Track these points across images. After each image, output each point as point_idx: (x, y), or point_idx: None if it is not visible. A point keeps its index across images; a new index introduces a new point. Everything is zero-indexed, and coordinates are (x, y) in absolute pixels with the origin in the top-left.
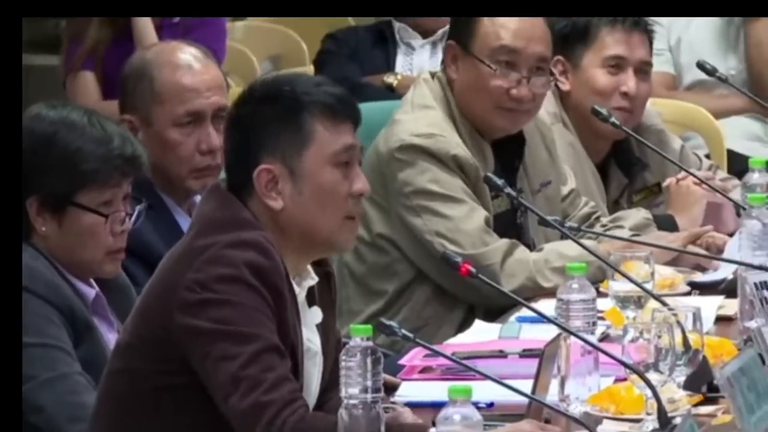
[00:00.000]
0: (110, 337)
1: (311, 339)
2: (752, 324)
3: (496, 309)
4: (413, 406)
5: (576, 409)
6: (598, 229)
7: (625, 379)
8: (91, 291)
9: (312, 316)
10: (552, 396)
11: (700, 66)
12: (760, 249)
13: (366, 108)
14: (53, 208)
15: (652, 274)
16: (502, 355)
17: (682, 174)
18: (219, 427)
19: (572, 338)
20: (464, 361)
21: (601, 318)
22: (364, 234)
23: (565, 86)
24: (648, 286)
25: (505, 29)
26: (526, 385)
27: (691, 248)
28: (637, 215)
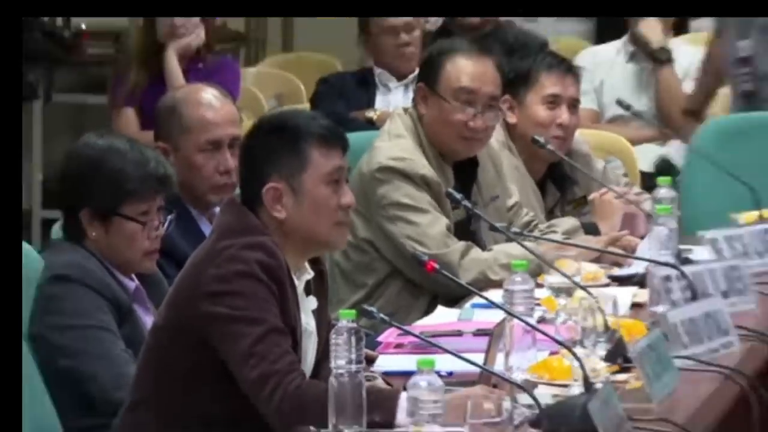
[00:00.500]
0: (147, 320)
1: (308, 322)
2: (658, 309)
3: (455, 297)
4: (388, 374)
5: (518, 376)
6: (536, 233)
7: (557, 353)
8: (132, 283)
9: (309, 304)
10: (499, 366)
11: (619, 103)
12: (665, 249)
13: (352, 137)
14: (102, 218)
15: (579, 269)
16: (459, 334)
17: (604, 189)
18: (233, 395)
19: (515, 320)
20: (429, 339)
21: (539, 304)
22: (350, 238)
23: (512, 119)
24: (576, 279)
25: (464, 74)
26: (479, 358)
27: (611, 249)
28: (568, 222)
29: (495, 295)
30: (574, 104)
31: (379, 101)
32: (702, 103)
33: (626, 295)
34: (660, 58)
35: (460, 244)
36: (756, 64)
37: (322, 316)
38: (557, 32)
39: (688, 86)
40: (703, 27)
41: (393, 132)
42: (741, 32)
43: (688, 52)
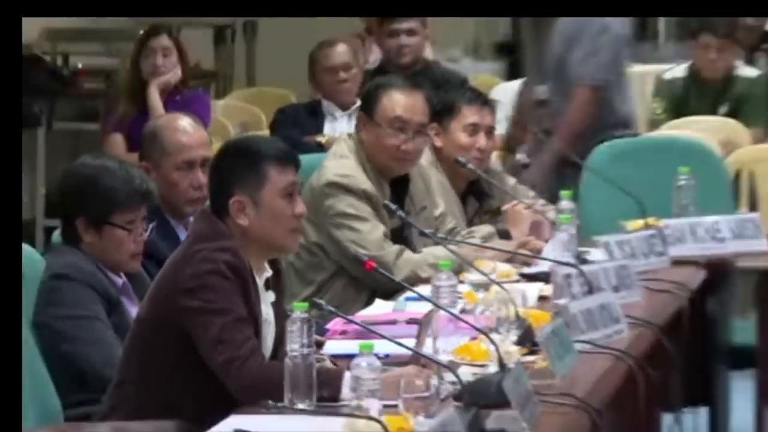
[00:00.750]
0: (132, 311)
1: (267, 313)
2: (561, 302)
3: (390, 292)
4: (335, 357)
5: (444, 358)
6: (458, 238)
7: (476, 339)
8: (119, 280)
9: (268, 297)
10: (427, 349)
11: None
12: (566, 251)
13: (304, 158)
14: (95, 226)
15: (495, 268)
16: (394, 322)
17: (515, 201)
18: (205, 377)
19: (441, 311)
20: (369, 327)
21: (461, 298)
22: (302, 241)
23: (438, 143)
24: (492, 276)
25: (398, 105)
26: (411, 343)
27: (521, 251)
28: (485, 229)
29: (424, 289)
30: (490, 131)
31: (327, 128)
32: (519, 137)
33: (534, 289)
34: None
35: (395, 248)
36: (552, 105)
37: (279, 308)
38: (476, 70)
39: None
40: None
41: (338, 153)
42: (539, 79)
43: None
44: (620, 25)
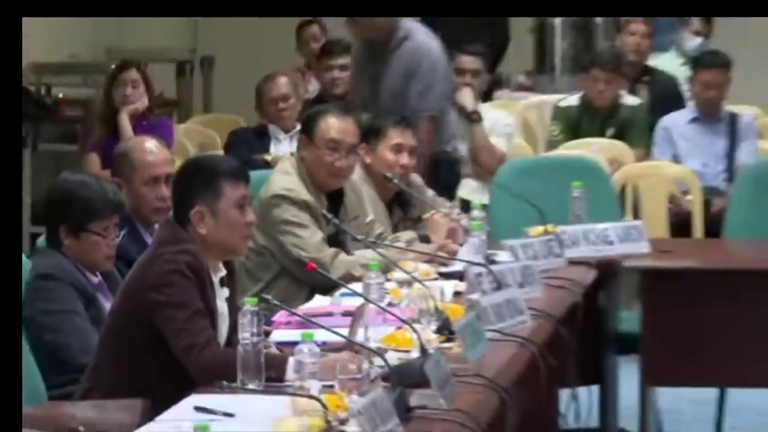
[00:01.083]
0: (107, 305)
1: (222, 306)
2: (473, 296)
3: (328, 289)
4: (280, 344)
5: (373, 345)
6: (386, 242)
7: (401, 328)
8: (95, 279)
9: (223, 294)
10: (359, 338)
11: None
12: (478, 253)
13: (253, 174)
14: (74, 233)
15: (416, 268)
16: (331, 314)
17: (434, 210)
18: (169, 361)
19: (371, 305)
20: (309, 318)
21: (388, 293)
22: (252, 245)
23: (368, 161)
24: (414, 275)
25: (332, 128)
26: (345, 332)
27: (439, 253)
28: (408, 234)
29: (357, 286)
30: (412, 150)
31: (272, 148)
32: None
33: (450, 286)
34: (474, 119)
35: (332, 250)
36: None
37: (232, 303)
38: None
39: (492, 139)
40: (504, 95)
41: (283, 170)
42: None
43: (492, 114)
44: (446, 61)
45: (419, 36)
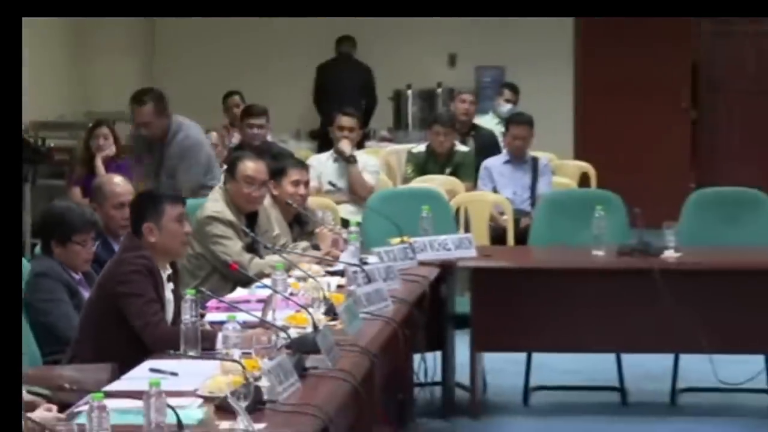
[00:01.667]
0: (86, 295)
1: (169, 296)
2: (351, 288)
3: (246, 283)
4: (212, 323)
5: (279, 323)
6: (288, 250)
7: (299, 311)
8: (78, 276)
9: (169, 287)
10: (269, 318)
11: (331, 184)
12: (354, 257)
13: (192, 201)
14: (62, 243)
15: (310, 268)
16: (248, 302)
17: (322, 226)
18: (131, 336)
19: (278, 295)
20: (233, 305)
21: (290, 286)
22: (191, 251)
23: (275, 192)
24: (309, 273)
25: (249, 168)
26: (259, 314)
27: (327, 257)
28: (304, 244)
29: (267, 281)
30: (306, 183)
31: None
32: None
33: (334, 281)
34: (350, 161)
35: (249, 256)
36: None
37: (176, 293)
38: (298, 147)
39: (364, 175)
40: (372, 144)
41: (213, 198)
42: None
43: (364, 157)
44: (207, 144)
45: (186, 129)
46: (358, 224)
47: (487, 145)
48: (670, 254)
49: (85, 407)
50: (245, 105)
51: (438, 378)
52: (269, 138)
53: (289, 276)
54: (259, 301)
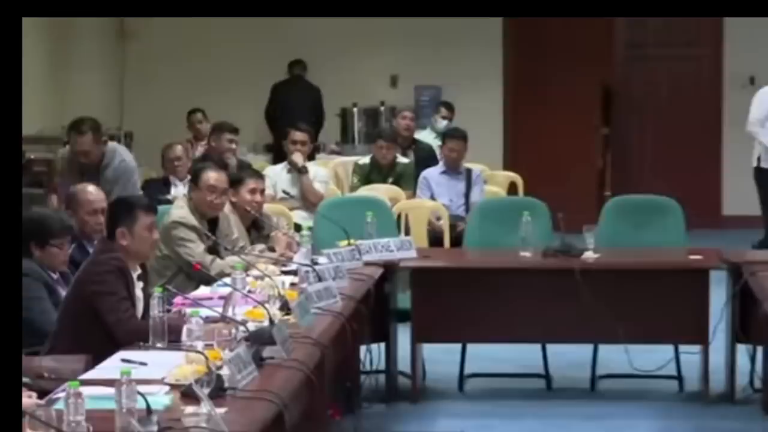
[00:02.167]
0: (63, 293)
1: (139, 294)
2: (303, 286)
3: (208, 281)
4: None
5: (239, 317)
6: (246, 251)
7: (257, 307)
8: (55, 276)
9: (139, 285)
10: (229, 313)
11: (285, 192)
12: (306, 258)
13: (160, 207)
14: (41, 246)
15: (266, 267)
16: (211, 298)
17: (278, 230)
18: (104, 330)
19: (237, 292)
20: (197, 301)
21: (248, 284)
22: (158, 253)
23: (234, 199)
24: (265, 272)
25: (211, 178)
26: (220, 309)
27: (281, 258)
28: (261, 246)
29: (228, 280)
30: (262, 192)
31: (173, 191)
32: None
33: (288, 279)
34: (303, 172)
35: (211, 257)
36: None
37: (145, 291)
38: (255, 160)
39: (315, 185)
40: (322, 157)
41: (179, 205)
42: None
43: (314, 169)
44: (135, 167)
45: (121, 154)
46: (310, 228)
47: (426, 158)
48: (589, 255)
49: (63, 394)
50: (217, 122)
51: (382, 367)
52: (240, 153)
53: (248, 275)
54: (221, 297)
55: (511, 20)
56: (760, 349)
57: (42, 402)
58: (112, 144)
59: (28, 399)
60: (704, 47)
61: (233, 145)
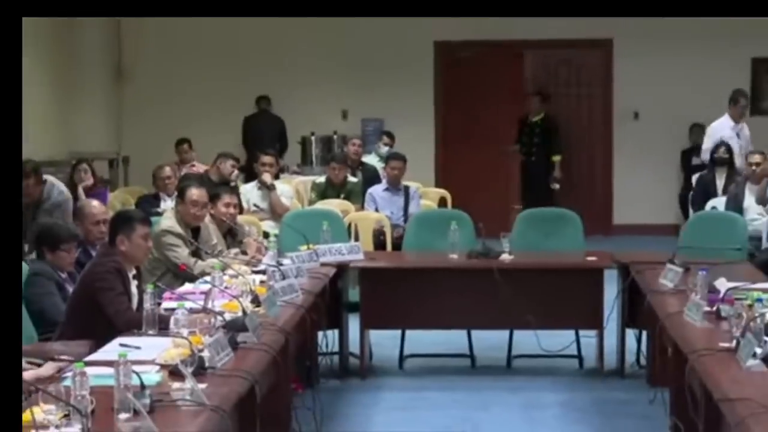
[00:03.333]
0: (70, 290)
1: (134, 291)
2: (271, 283)
3: (192, 279)
4: (167, 309)
5: (218, 309)
6: (223, 255)
7: (232, 300)
8: (64, 275)
9: (134, 283)
10: (210, 305)
11: (255, 205)
12: (273, 260)
13: (153, 219)
14: (51, 250)
15: (240, 268)
16: (194, 293)
17: (249, 237)
18: (105, 320)
19: (216, 288)
20: (182, 295)
21: (225, 282)
22: (151, 257)
23: (212, 211)
24: (239, 271)
25: (194, 194)
26: (202, 302)
27: (252, 260)
28: (235, 250)
29: (208, 278)
30: (235, 205)
31: (162, 205)
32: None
33: (258, 278)
34: (271, 189)
35: (194, 259)
36: None
37: (139, 288)
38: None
39: (282, 199)
40: (286, 176)
41: (167, 216)
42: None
43: (280, 186)
44: (70, 198)
45: (58, 187)
46: (276, 236)
47: (371, 177)
48: (505, 257)
49: (70, 373)
50: (222, 151)
51: (336, 349)
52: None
53: (224, 274)
54: (202, 293)
55: (442, 65)
56: (645, 333)
57: (44, 373)
58: (50, 179)
59: (30, 371)
60: (597, 87)
61: (234, 170)
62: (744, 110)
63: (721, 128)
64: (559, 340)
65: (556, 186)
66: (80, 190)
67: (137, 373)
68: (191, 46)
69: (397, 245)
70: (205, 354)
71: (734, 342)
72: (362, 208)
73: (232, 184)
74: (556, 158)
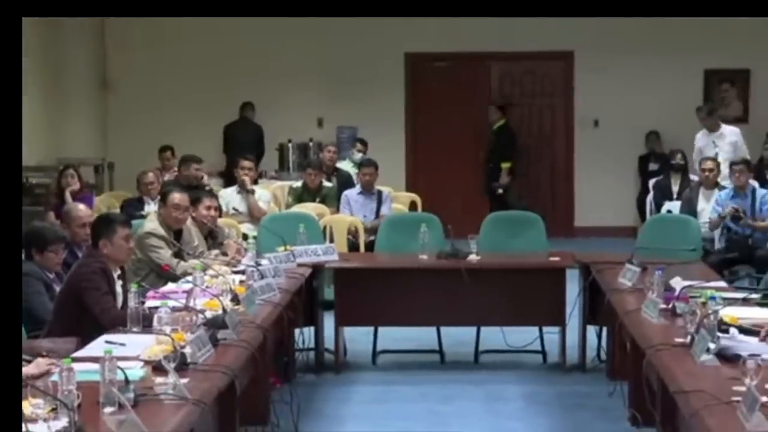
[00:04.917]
0: (57, 289)
1: (118, 291)
2: (250, 282)
3: (175, 279)
4: (150, 308)
5: (199, 307)
6: (204, 256)
7: (213, 299)
8: (52, 275)
9: (118, 283)
10: (192, 303)
11: (235, 209)
12: (252, 261)
13: (136, 222)
14: (40, 252)
15: (220, 268)
16: (176, 292)
17: (229, 239)
18: (91, 318)
19: (197, 287)
20: (166, 294)
21: (206, 281)
22: (134, 257)
23: (194, 214)
24: (219, 272)
25: (176, 198)
26: (184, 301)
27: (232, 261)
28: (216, 251)
29: (190, 278)
30: (216, 208)
31: (146, 208)
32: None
33: (238, 277)
34: (250, 192)
35: (176, 260)
36: None
37: (124, 287)
38: (211, 183)
39: (260, 203)
40: (264, 181)
41: (150, 219)
42: None
43: (259, 190)
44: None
45: None
46: (255, 237)
47: (346, 182)
48: (473, 257)
49: (57, 369)
50: (184, 155)
51: (312, 345)
52: (205, 179)
53: (205, 274)
54: (184, 292)
55: (412, 75)
56: (605, 329)
57: (36, 371)
58: None
59: (25, 368)
60: (559, 97)
61: (199, 173)
62: (717, 120)
63: (699, 138)
64: (523, 336)
65: (500, 191)
66: (67, 194)
67: (122, 369)
68: (174, 58)
69: (369, 247)
70: (187, 350)
71: (689, 338)
72: (337, 211)
73: (207, 188)
74: (505, 165)
